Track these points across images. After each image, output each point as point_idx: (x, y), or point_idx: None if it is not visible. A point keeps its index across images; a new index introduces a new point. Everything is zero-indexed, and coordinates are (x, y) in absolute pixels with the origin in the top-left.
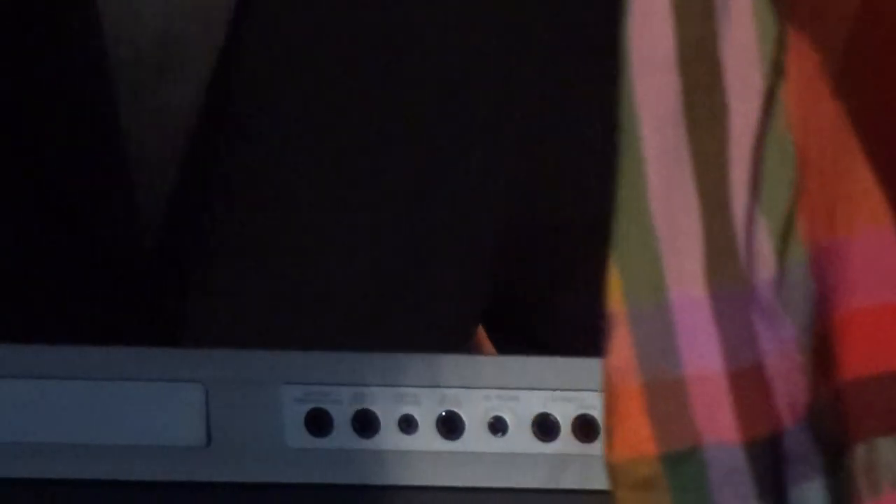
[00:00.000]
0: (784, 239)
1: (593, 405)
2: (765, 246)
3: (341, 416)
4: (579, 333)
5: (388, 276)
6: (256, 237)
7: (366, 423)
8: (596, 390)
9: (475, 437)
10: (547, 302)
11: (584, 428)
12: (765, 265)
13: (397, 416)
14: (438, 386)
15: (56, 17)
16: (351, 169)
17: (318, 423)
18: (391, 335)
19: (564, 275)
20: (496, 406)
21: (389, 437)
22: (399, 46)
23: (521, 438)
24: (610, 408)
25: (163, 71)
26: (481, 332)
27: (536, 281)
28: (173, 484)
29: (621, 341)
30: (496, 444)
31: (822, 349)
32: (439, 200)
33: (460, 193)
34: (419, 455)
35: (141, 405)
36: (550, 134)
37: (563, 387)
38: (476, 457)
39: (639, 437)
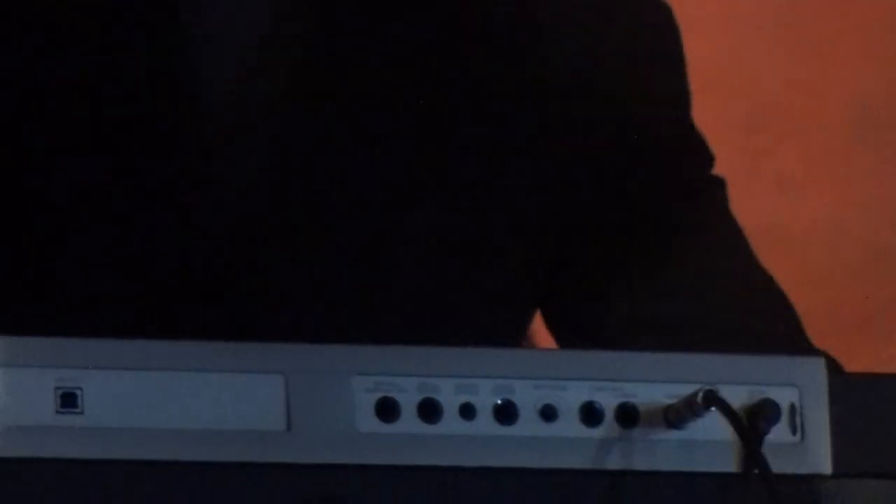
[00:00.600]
0: None
1: (634, 394)
2: None
3: (408, 404)
4: (623, 330)
5: (451, 276)
6: (327, 240)
7: (430, 411)
8: (636, 380)
9: (528, 424)
10: (592, 302)
11: (626, 415)
12: None
13: (458, 404)
14: (495, 377)
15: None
16: (422, 181)
17: (387, 410)
18: (452, 330)
19: (605, 277)
20: (547, 395)
21: (451, 423)
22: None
23: (569, 424)
24: None
25: (244, 87)
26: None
27: (583, 283)
28: (256, 465)
29: None
30: (547, 430)
31: None
32: (497, 209)
33: (515, 204)
34: (478, 439)
35: (228, 394)
36: (587, 155)
37: (606, 377)
38: (529, 441)
39: None
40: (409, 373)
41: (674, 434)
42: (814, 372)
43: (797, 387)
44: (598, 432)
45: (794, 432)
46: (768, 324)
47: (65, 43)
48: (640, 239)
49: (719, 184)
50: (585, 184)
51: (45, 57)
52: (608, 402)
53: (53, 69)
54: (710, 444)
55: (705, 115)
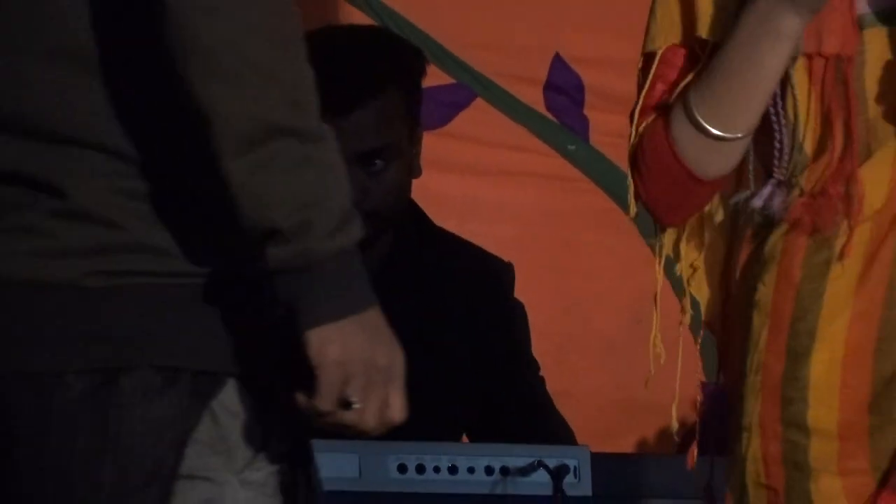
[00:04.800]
0: None
1: (510, 462)
2: None
3: (411, 465)
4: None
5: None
6: None
7: (420, 468)
8: (510, 455)
9: (462, 474)
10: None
11: (505, 470)
12: None
13: (433, 465)
14: (449, 455)
15: None
16: None
17: (401, 467)
18: (423, 434)
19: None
20: (469, 461)
21: (429, 474)
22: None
23: (480, 474)
24: None
25: None
26: None
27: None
28: (335, 493)
29: None
30: (469, 476)
31: None
32: (448, 384)
33: (453, 371)
34: (440, 482)
35: (340, 462)
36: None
37: (495, 454)
38: (461, 481)
39: None
40: (412, 452)
41: (523, 479)
42: (585, 452)
43: (577, 458)
44: (494, 477)
45: (576, 478)
46: (565, 435)
47: None
48: (510, 403)
49: (542, 380)
50: (482, 384)
51: None
52: (496, 465)
53: None
54: (538, 484)
55: None
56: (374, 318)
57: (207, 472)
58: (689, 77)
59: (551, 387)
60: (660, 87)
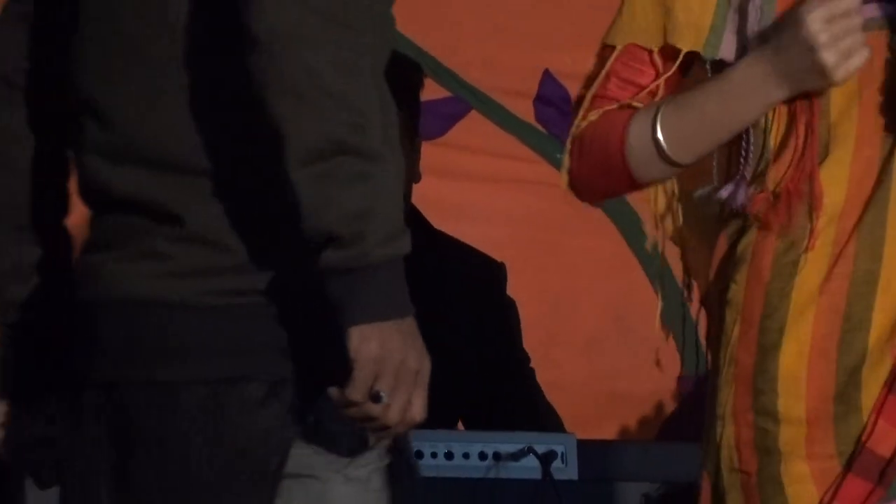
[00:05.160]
0: None
1: (502, 448)
2: None
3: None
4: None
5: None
6: None
7: (419, 454)
8: (503, 442)
9: (457, 459)
10: (498, 407)
11: (497, 456)
12: None
13: (430, 451)
14: (446, 441)
15: None
16: None
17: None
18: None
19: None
20: (464, 447)
21: (428, 460)
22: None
23: (474, 459)
24: None
25: None
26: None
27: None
28: None
29: None
30: (463, 461)
31: None
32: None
33: (455, 376)
34: (437, 466)
35: None
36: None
37: (489, 441)
38: (457, 466)
39: None
40: (415, 439)
41: (514, 464)
42: (572, 439)
43: (564, 444)
44: (487, 462)
45: (563, 463)
46: (554, 422)
47: None
48: (502, 393)
49: (532, 371)
50: (477, 373)
51: None
52: (489, 451)
53: None
54: (528, 468)
55: None
56: (410, 325)
57: (313, 470)
58: (658, 86)
59: (539, 378)
60: (614, 81)
